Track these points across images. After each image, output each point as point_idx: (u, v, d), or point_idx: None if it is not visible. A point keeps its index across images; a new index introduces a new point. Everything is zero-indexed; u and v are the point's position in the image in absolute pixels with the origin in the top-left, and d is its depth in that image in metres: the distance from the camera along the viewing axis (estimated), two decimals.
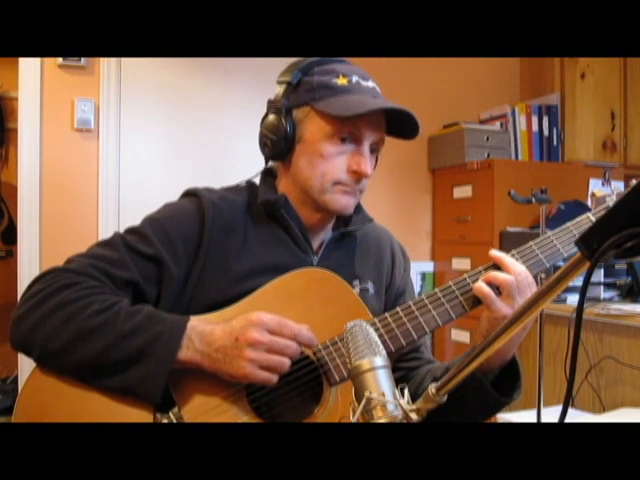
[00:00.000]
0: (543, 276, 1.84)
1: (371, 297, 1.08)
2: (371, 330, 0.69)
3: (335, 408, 0.92)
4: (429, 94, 3.03)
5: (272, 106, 1.03)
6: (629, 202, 0.47)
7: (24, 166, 2.38)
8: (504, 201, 2.41)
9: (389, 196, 2.94)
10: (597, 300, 2.22)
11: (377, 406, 0.62)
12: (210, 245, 0.98)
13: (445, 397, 0.65)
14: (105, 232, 2.43)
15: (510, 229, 2.63)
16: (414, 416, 0.63)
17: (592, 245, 0.48)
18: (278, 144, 1.02)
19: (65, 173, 2.44)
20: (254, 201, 1.05)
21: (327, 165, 0.99)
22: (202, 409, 0.89)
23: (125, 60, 2.51)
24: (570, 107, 2.93)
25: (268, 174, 1.10)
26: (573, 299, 2.28)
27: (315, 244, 1.08)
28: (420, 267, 3.01)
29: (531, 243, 0.98)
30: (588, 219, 0.99)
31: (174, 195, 1.08)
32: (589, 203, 2.79)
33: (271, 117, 1.03)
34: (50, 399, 0.89)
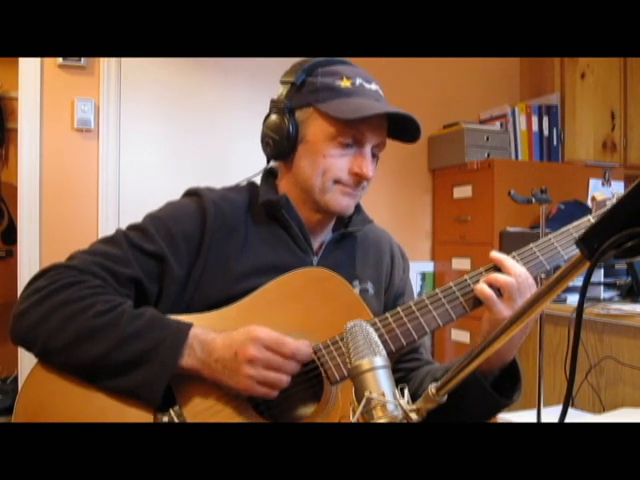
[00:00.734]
0: (543, 276, 1.84)
1: (371, 298, 1.08)
2: (371, 330, 0.69)
3: (335, 407, 0.92)
4: (429, 94, 3.03)
5: (275, 106, 1.03)
6: (629, 202, 0.47)
7: (24, 166, 2.38)
8: (504, 201, 2.41)
9: (389, 196, 2.94)
10: (597, 300, 2.22)
11: (377, 406, 0.62)
12: (211, 244, 0.98)
13: (445, 397, 0.65)
14: (105, 232, 2.42)
15: (510, 229, 2.63)
16: (414, 416, 0.63)
17: (592, 245, 0.48)
18: (280, 144, 1.02)
19: (65, 173, 2.44)
20: (255, 201, 1.05)
21: (329, 164, 1.00)
22: (202, 407, 0.90)
23: (125, 60, 2.51)
24: (570, 107, 2.93)
25: (269, 174, 1.10)
26: (573, 299, 2.28)
27: (315, 244, 1.08)
28: (420, 267, 3.01)
29: (532, 245, 0.98)
30: (589, 222, 0.99)
31: (174, 195, 1.08)
32: (589, 204, 2.79)
33: (274, 117, 1.03)
34: (51, 395, 0.89)
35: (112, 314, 0.89)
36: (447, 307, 0.94)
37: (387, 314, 0.95)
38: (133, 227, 1.01)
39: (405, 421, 0.63)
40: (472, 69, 3.09)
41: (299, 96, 1.02)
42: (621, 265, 2.26)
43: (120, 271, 0.94)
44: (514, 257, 0.96)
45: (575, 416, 1.89)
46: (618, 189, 2.96)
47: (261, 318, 0.94)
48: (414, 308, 0.94)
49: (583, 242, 0.49)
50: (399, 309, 0.94)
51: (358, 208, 1.10)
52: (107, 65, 2.47)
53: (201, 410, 0.89)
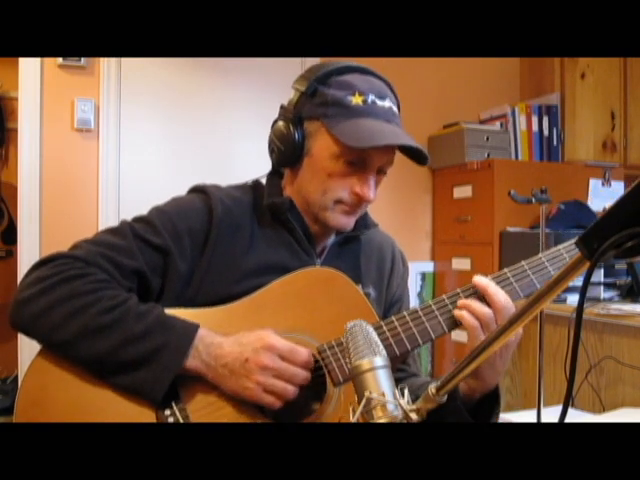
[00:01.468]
0: None
1: (372, 302, 1.08)
2: (371, 330, 0.68)
3: (337, 408, 0.92)
4: (429, 94, 3.03)
5: (284, 113, 1.02)
6: (629, 202, 0.47)
7: (24, 166, 2.39)
8: (504, 201, 2.41)
9: (389, 196, 2.94)
10: (597, 300, 2.22)
11: (377, 406, 0.62)
12: (217, 243, 0.98)
13: (445, 397, 0.65)
14: None
15: (510, 229, 2.63)
16: (414, 416, 0.63)
17: (592, 245, 0.48)
18: (285, 154, 1.01)
19: (65, 173, 2.44)
20: (260, 201, 1.05)
21: (330, 183, 0.98)
22: (205, 403, 0.90)
23: (125, 60, 2.51)
24: (570, 107, 2.93)
25: (275, 174, 1.10)
26: (573, 299, 2.28)
27: (319, 247, 1.08)
28: (420, 267, 3.01)
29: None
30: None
31: (174, 195, 1.08)
32: (589, 203, 2.79)
33: (281, 125, 1.01)
34: (53, 384, 0.89)
35: (118, 311, 0.88)
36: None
37: (393, 317, 0.94)
38: (139, 219, 1.00)
39: (405, 421, 0.63)
40: (472, 69, 3.09)
41: (309, 106, 1.00)
42: (621, 265, 2.26)
43: (124, 263, 0.94)
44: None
45: (575, 416, 1.89)
46: (618, 189, 2.96)
47: (265, 317, 0.94)
48: (420, 313, 0.94)
49: (583, 242, 0.49)
50: (405, 313, 0.94)
51: (364, 211, 1.10)
52: (107, 65, 2.48)
53: (204, 406, 0.89)
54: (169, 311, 0.92)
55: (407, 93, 2.50)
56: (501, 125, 2.94)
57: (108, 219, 2.47)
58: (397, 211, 2.99)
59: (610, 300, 2.23)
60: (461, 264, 2.84)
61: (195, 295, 0.97)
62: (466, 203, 2.83)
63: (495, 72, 3.17)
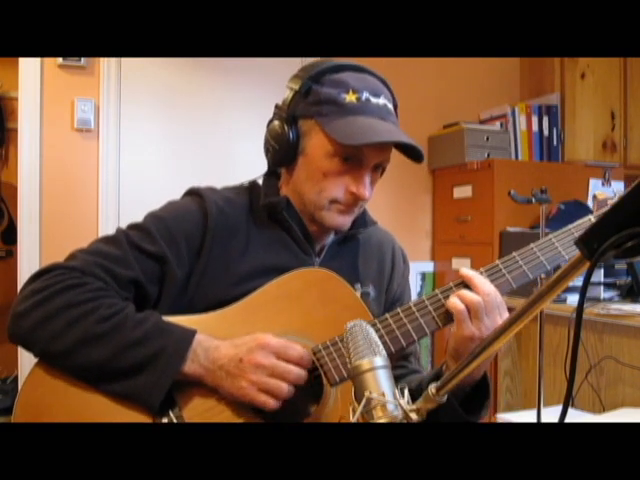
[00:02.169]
0: (543, 276, 1.84)
1: (372, 301, 1.07)
2: (371, 330, 0.68)
3: (335, 408, 0.91)
4: (429, 94, 3.03)
5: (278, 113, 1.02)
6: (629, 202, 0.47)
7: (24, 166, 2.39)
8: (504, 201, 2.41)
9: (389, 196, 2.94)
10: (597, 300, 2.22)
11: (377, 406, 0.62)
12: (213, 246, 0.98)
13: (445, 397, 0.65)
14: (105, 232, 2.42)
15: (510, 229, 2.63)
16: (414, 416, 0.63)
17: (592, 245, 0.48)
18: (280, 153, 1.01)
19: (65, 173, 2.44)
20: (256, 202, 1.05)
21: (325, 183, 0.98)
22: (202, 409, 0.89)
23: (125, 60, 2.51)
24: (570, 107, 2.93)
25: (272, 174, 1.10)
26: (573, 299, 2.28)
27: (317, 246, 1.07)
28: (420, 267, 3.01)
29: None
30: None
31: (174, 195, 1.08)
32: (589, 203, 2.79)
33: (276, 124, 1.01)
34: (50, 395, 0.89)
35: (115, 319, 0.88)
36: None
37: (387, 315, 0.94)
38: (134, 226, 1.00)
39: (405, 421, 0.63)
40: (472, 69, 3.09)
41: (303, 105, 0.99)
42: (621, 265, 2.26)
43: (121, 273, 0.94)
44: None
45: (575, 416, 1.89)
46: (618, 189, 2.96)
47: (260, 319, 0.94)
48: (414, 309, 0.94)
49: (583, 242, 0.49)
50: (399, 310, 0.94)
51: (362, 209, 1.10)
52: (107, 65, 2.48)
53: (200, 412, 0.89)
54: (166, 319, 0.92)
55: (407, 93, 2.50)
56: (501, 125, 2.94)
57: (108, 219, 2.47)
58: (397, 211, 2.99)
59: (610, 300, 2.23)
60: (461, 264, 2.83)
61: (192, 299, 0.97)
62: (466, 203, 2.83)
63: (495, 72, 3.18)
